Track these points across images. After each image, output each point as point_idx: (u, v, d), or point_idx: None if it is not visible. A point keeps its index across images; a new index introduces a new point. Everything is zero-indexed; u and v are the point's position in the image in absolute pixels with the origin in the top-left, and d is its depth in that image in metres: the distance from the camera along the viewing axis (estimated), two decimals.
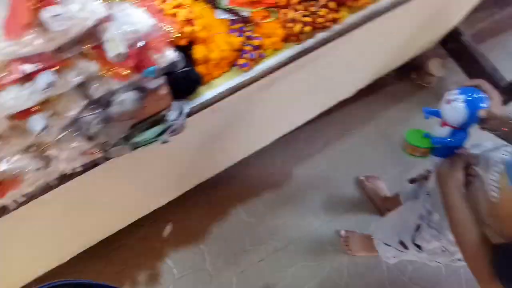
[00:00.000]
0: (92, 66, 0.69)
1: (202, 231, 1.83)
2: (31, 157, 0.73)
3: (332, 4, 0.99)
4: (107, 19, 0.67)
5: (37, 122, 0.67)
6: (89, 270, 1.72)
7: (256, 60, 0.99)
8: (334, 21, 1.02)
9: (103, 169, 0.95)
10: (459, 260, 1.12)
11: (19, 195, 0.79)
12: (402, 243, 1.29)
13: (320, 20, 0.98)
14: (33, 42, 0.58)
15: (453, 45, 1.88)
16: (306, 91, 1.45)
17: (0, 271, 1.26)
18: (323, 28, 1.02)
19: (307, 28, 0.97)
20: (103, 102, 0.78)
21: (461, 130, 0.95)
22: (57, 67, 0.64)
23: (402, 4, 1.12)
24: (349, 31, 1.07)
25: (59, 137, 0.76)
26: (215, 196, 1.88)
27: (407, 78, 2.16)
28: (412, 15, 1.39)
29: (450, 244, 1.08)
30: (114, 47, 0.66)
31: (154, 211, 1.68)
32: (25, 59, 0.59)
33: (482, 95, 0.91)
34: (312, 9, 0.97)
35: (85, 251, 1.60)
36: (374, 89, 2.08)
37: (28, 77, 0.62)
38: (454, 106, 0.91)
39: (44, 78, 0.61)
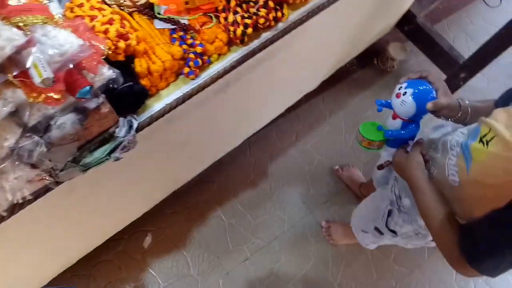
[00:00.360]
0: (19, 94, 0.67)
1: (183, 238, 1.82)
2: None
3: (271, 3, 0.98)
4: (28, 44, 0.66)
5: None
6: None
7: (201, 67, 0.98)
8: (277, 19, 1.01)
9: (60, 192, 0.94)
10: (432, 241, 1.13)
11: None
12: (377, 229, 1.31)
13: (261, 20, 0.98)
14: None
15: (409, 27, 1.89)
16: (266, 89, 1.45)
17: None
18: (267, 27, 1.02)
19: (249, 30, 0.97)
20: (41, 128, 0.76)
21: (412, 122, 0.97)
22: None
23: None
24: (295, 28, 1.07)
25: None
26: (192, 201, 1.88)
27: (369, 65, 2.18)
28: (359, 4, 1.40)
29: (421, 228, 1.09)
30: (39, 72, 0.65)
31: (132, 223, 1.67)
32: None
33: (428, 86, 0.92)
34: (252, 10, 0.96)
35: (65, 271, 1.58)
36: (338, 79, 2.10)
37: None
38: (403, 100, 0.92)
39: None
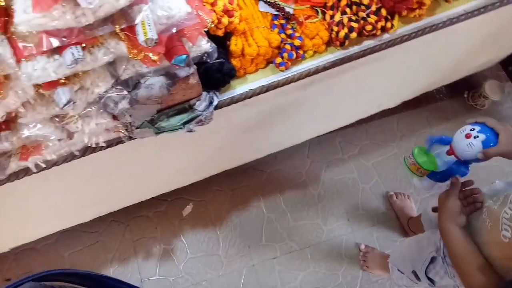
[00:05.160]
0: (122, 47, 0.69)
1: (220, 217, 1.83)
2: (54, 127, 0.75)
3: (384, 12, 0.92)
4: (141, 1, 0.66)
5: (63, 95, 0.69)
6: (108, 232, 1.78)
7: (294, 61, 0.95)
8: (384, 29, 0.95)
9: (130, 145, 0.97)
10: None
11: (42, 160, 0.82)
12: (415, 273, 1.23)
13: (369, 27, 0.91)
14: (62, 17, 0.58)
15: None
16: (345, 95, 1.39)
17: (23, 222, 1.33)
18: (371, 36, 0.96)
19: (353, 35, 0.91)
20: (131, 84, 0.78)
21: (466, 163, 0.96)
22: (86, 44, 0.64)
23: (462, 20, 1.02)
24: (400, 43, 1.00)
25: (84, 111, 0.77)
26: (239, 185, 1.88)
27: (458, 97, 2.00)
28: (472, 32, 1.27)
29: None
30: (145, 31, 0.65)
31: (178, 189, 1.71)
32: (54, 33, 0.59)
33: (495, 135, 0.89)
34: (361, 14, 0.90)
35: (107, 215, 1.66)
36: (421, 103, 1.96)
37: (56, 50, 0.62)
38: (471, 143, 0.89)
39: (71, 53, 0.62)
